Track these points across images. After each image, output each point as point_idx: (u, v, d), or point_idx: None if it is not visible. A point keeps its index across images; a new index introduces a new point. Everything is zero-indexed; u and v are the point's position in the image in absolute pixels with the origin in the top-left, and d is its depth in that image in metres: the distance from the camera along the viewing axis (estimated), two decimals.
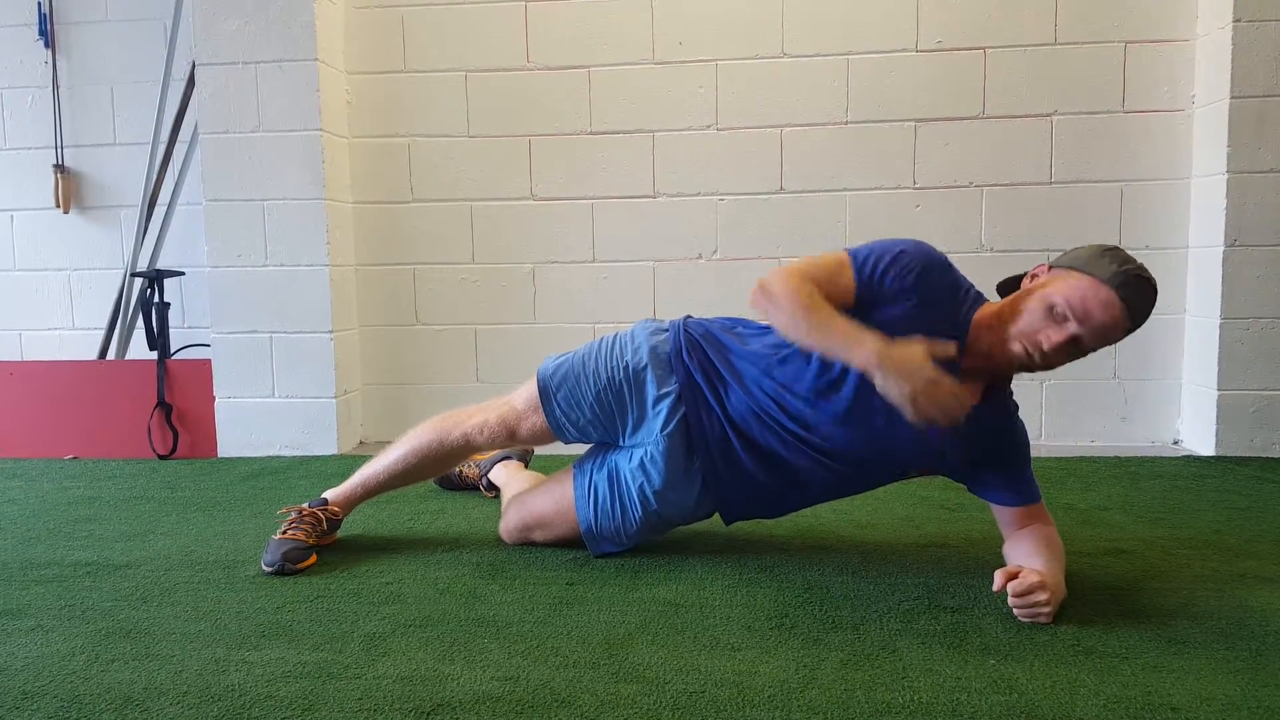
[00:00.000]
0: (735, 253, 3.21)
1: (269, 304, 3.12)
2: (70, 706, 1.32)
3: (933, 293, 1.69)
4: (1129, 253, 1.62)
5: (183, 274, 3.34)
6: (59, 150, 3.53)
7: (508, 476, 2.36)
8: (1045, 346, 1.59)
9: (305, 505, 2.02)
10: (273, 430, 3.16)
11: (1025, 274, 1.73)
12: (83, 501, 2.56)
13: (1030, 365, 1.63)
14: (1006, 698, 1.31)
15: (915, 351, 1.54)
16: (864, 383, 1.68)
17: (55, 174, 3.52)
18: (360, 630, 1.58)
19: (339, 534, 2.08)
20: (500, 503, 2.28)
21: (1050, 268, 1.67)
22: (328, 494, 2.05)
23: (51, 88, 3.51)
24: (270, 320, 3.13)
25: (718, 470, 1.86)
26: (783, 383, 1.78)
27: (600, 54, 3.20)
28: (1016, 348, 1.62)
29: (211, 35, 3.06)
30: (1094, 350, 1.62)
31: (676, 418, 1.85)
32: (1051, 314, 1.59)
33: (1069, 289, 1.59)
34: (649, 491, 1.87)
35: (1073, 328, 1.58)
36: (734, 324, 1.94)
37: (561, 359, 1.97)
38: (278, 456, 3.14)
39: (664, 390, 1.86)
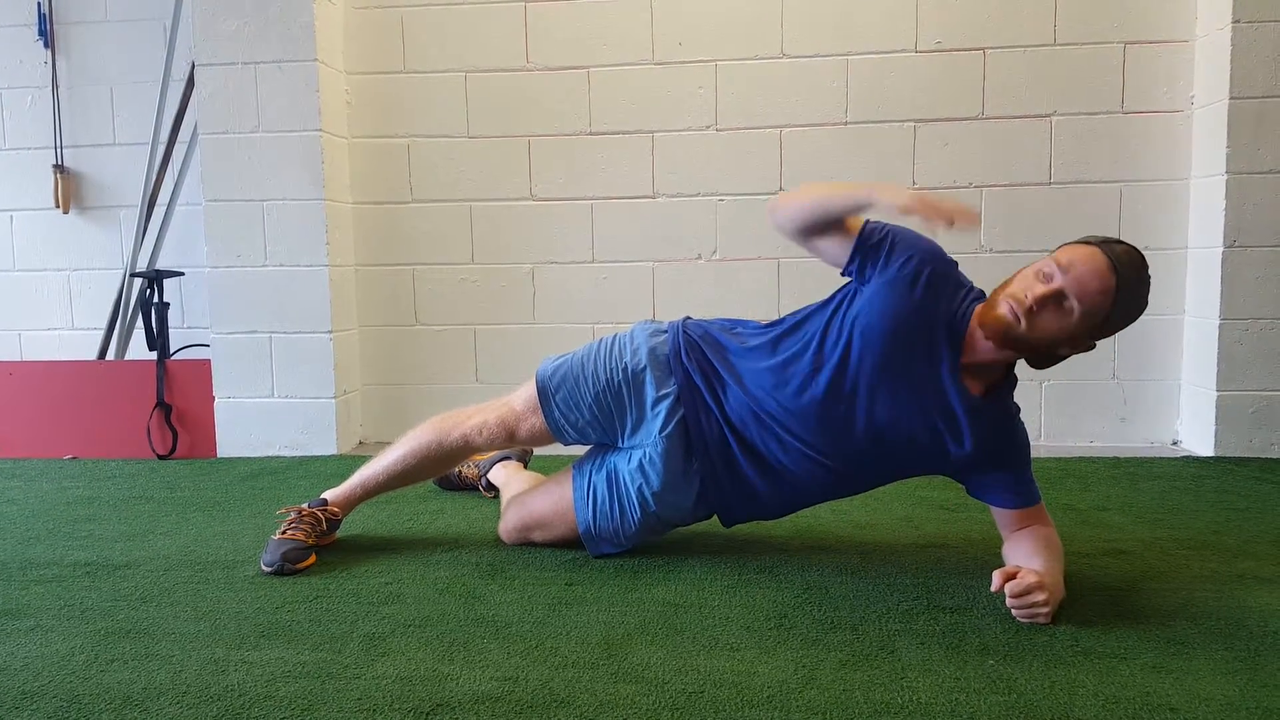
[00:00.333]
0: (735, 253, 3.21)
1: (268, 304, 3.12)
2: (69, 707, 1.32)
3: (934, 271, 1.71)
4: None
5: (182, 274, 3.34)
6: (58, 150, 3.53)
7: (507, 477, 2.36)
8: (1029, 300, 1.59)
9: (304, 505, 2.02)
10: (272, 430, 3.16)
11: None
12: (82, 501, 2.56)
13: (1015, 331, 1.61)
14: (1005, 698, 1.31)
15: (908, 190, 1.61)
16: (842, 381, 1.71)
17: (55, 174, 3.52)
18: (359, 630, 1.58)
19: (338, 534, 2.08)
20: (499, 503, 2.28)
21: None
22: (327, 494, 2.05)
23: (51, 88, 3.51)
24: (270, 320, 3.13)
25: (716, 472, 1.86)
26: (779, 384, 1.78)
27: (600, 54, 3.20)
28: (1002, 308, 1.62)
29: (211, 35, 3.06)
30: (1083, 317, 1.58)
31: (675, 419, 1.85)
32: (1039, 275, 1.62)
33: (1059, 252, 1.63)
34: (648, 493, 1.88)
35: (1058, 282, 1.58)
36: (733, 325, 1.94)
37: (560, 360, 1.97)
38: (277, 457, 3.14)
39: (663, 392, 1.87)
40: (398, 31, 3.26)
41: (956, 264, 1.77)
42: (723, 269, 3.22)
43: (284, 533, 1.95)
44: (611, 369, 1.91)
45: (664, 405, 1.86)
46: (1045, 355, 1.68)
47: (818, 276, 3.14)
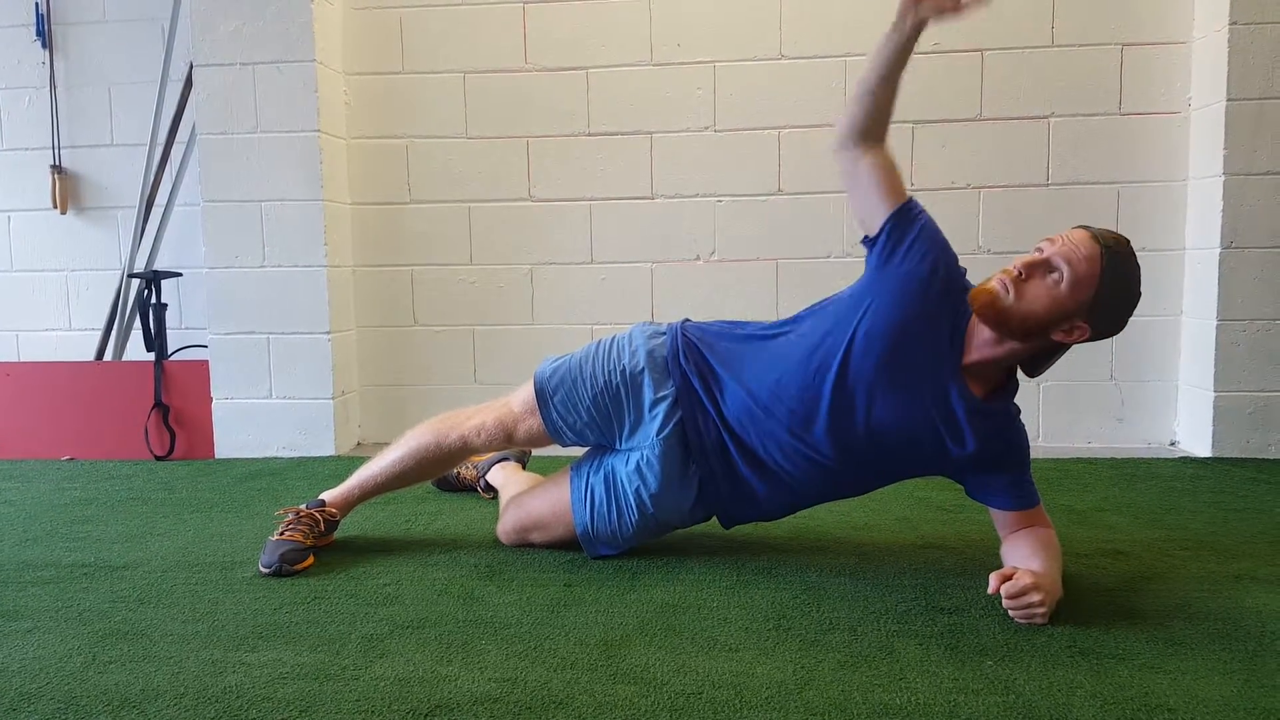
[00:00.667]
0: (733, 254, 3.22)
1: (266, 305, 3.12)
2: (67, 708, 1.32)
3: (950, 271, 1.73)
4: None
5: (180, 275, 3.34)
6: (56, 151, 3.53)
7: (505, 478, 2.36)
8: (1017, 267, 1.62)
9: (303, 506, 2.02)
10: (270, 431, 3.16)
11: None
12: (80, 503, 2.56)
13: (1004, 305, 1.62)
14: (1004, 699, 1.31)
15: None
16: (843, 383, 1.72)
17: (52, 175, 3.52)
18: (358, 632, 1.58)
19: (336, 535, 2.08)
20: (498, 504, 2.28)
21: None
22: (325, 495, 2.05)
23: (49, 88, 3.51)
24: (268, 321, 3.13)
25: (714, 474, 1.86)
26: (778, 385, 1.78)
27: (598, 55, 3.20)
28: (992, 282, 1.65)
29: (209, 36, 3.06)
30: (1071, 288, 1.59)
31: (673, 422, 1.85)
32: (1029, 253, 1.65)
33: (1051, 236, 1.67)
34: (645, 495, 1.88)
35: (1045, 252, 1.62)
36: (732, 327, 1.94)
37: (558, 361, 1.97)
38: (275, 458, 3.14)
39: (661, 394, 1.86)
40: (396, 32, 3.26)
41: (966, 271, 1.77)
42: (721, 270, 3.23)
43: (282, 534, 1.95)
44: (610, 371, 1.90)
45: (662, 407, 1.86)
46: (1038, 345, 1.67)
47: (817, 278, 3.16)
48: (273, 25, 3.03)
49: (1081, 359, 3.03)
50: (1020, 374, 1.78)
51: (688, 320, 1.98)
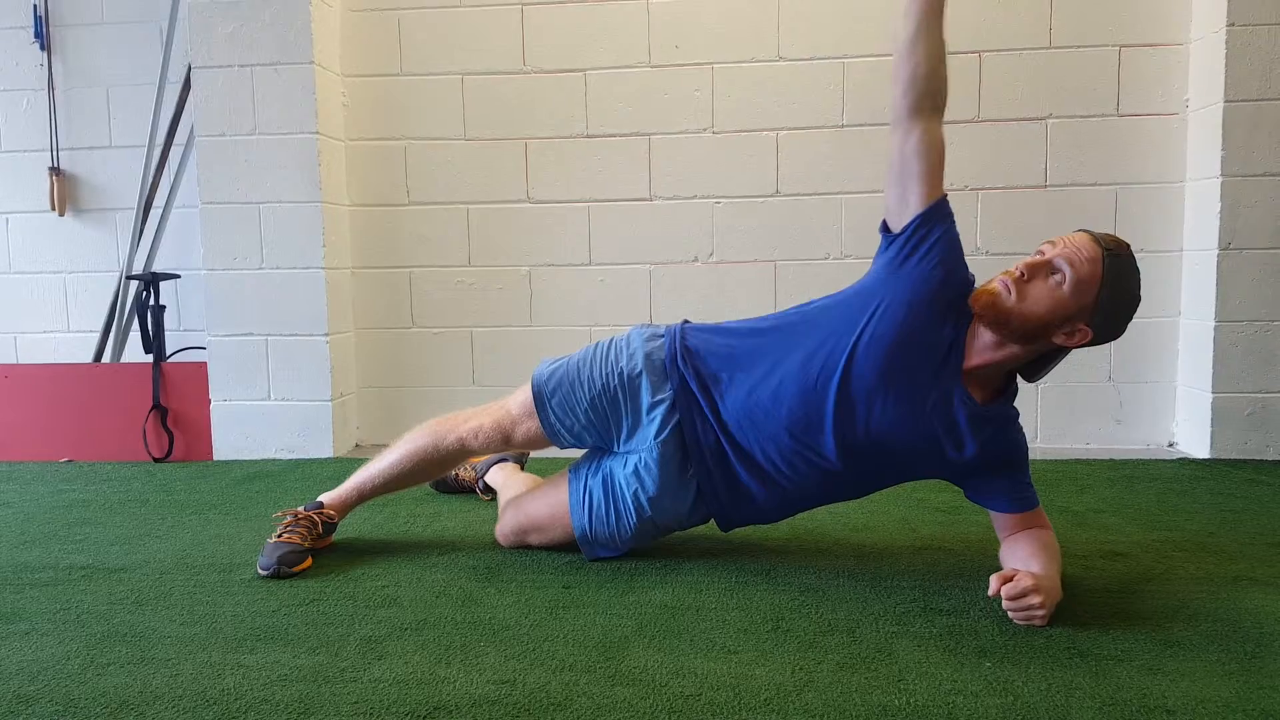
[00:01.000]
0: (731, 256, 3.22)
1: (265, 307, 3.12)
2: (65, 711, 1.32)
3: (961, 280, 1.73)
4: None
5: (178, 277, 3.34)
6: (54, 153, 3.52)
7: (504, 479, 2.36)
8: (1019, 268, 1.63)
9: (301, 508, 2.02)
10: (268, 433, 3.15)
11: None
12: (78, 505, 2.55)
13: (1006, 306, 1.62)
14: (1002, 700, 1.31)
15: None
16: (845, 385, 1.72)
17: (50, 176, 3.52)
18: (356, 634, 1.58)
19: (335, 537, 2.08)
20: (496, 506, 2.28)
21: None
22: (323, 497, 2.05)
23: (47, 90, 3.50)
24: (266, 323, 3.13)
25: (712, 477, 1.85)
26: (780, 387, 1.78)
27: (597, 57, 3.20)
28: (995, 282, 1.66)
29: (207, 38, 3.06)
30: (1073, 289, 1.59)
31: (671, 424, 1.85)
32: (1031, 255, 1.66)
33: (1052, 238, 1.68)
34: (643, 498, 1.87)
35: (1047, 254, 1.62)
36: (731, 329, 1.94)
37: (556, 364, 1.97)
38: (273, 459, 3.13)
39: (658, 397, 1.86)
40: (394, 34, 3.26)
41: (974, 279, 1.77)
42: (720, 271, 3.23)
43: (280, 536, 1.95)
44: (607, 374, 1.90)
45: (659, 410, 1.86)
46: (1039, 348, 1.67)
47: (816, 279, 3.16)
48: (271, 27, 3.03)
49: (1080, 361, 3.04)
50: (1020, 378, 1.78)
51: (686, 322, 1.98)
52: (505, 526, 2.06)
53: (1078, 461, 2.93)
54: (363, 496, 2.05)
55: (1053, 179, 3.09)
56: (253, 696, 1.35)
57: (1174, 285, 3.08)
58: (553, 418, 1.93)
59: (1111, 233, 1.67)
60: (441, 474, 2.40)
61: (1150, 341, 3.10)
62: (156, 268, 3.42)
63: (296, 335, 3.12)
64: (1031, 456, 1.83)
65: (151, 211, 3.44)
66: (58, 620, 1.67)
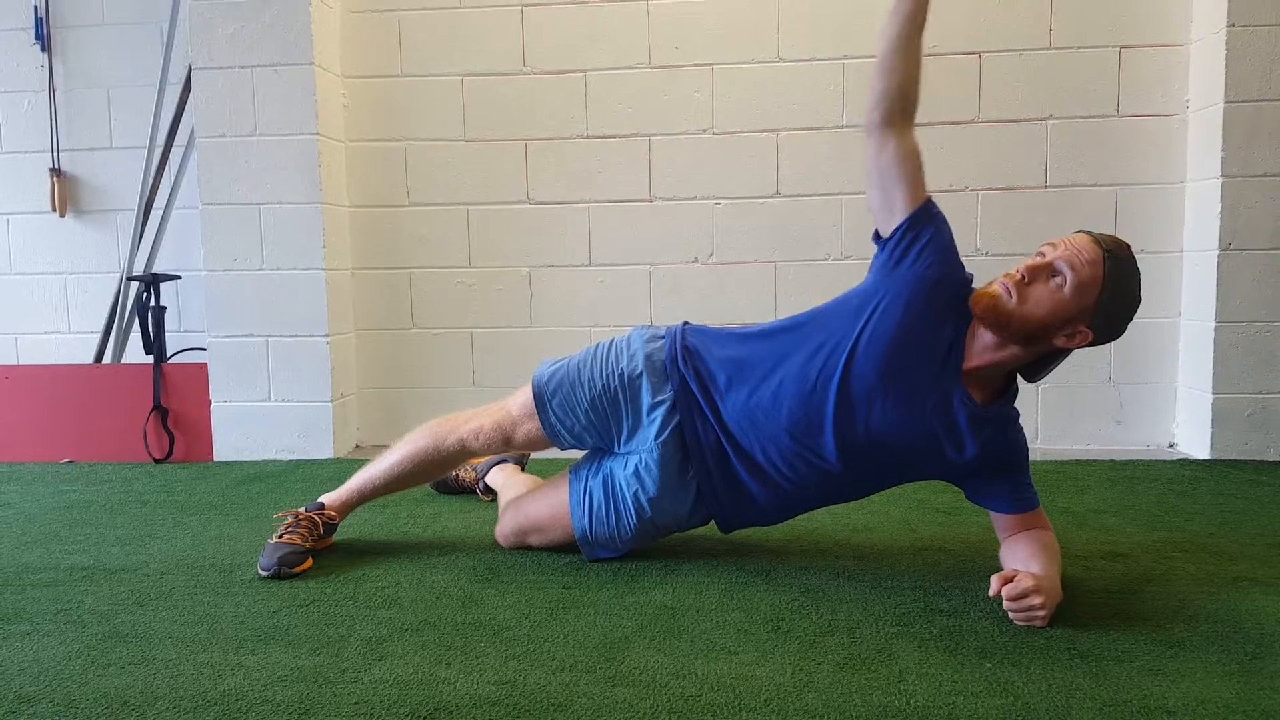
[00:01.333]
0: (731, 256, 3.22)
1: (265, 308, 3.12)
2: (66, 711, 1.32)
3: (956, 279, 1.73)
4: None
5: (179, 278, 3.34)
6: (55, 154, 3.52)
7: (504, 480, 2.36)
8: (1020, 270, 1.62)
9: (302, 509, 2.02)
10: (269, 434, 3.16)
11: None
12: (79, 505, 2.55)
13: (1007, 308, 1.62)
14: (1003, 701, 1.31)
15: None
16: (845, 386, 1.71)
17: (51, 177, 3.52)
18: (357, 634, 1.58)
19: (335, 538, 2.08)
20: (496, 506, 2.28)
21: None
22: (324, 498, 2.05)
23: (48, 91, 3.51)
24: (266, 324, 3.13)
25: (713, 478, 1.86)
26: (780, 389, 1.78)
27: (596, 58, 3.20)
28: (995, 285, 1.65)
29: (208, 39, 3.06)
30: (1075, 291, 1.59)
31: (671, 426, 1.85)
32: (1031, 257, 1.65)
33: (1053, 240, 1.67)
34: (643, 499, 1.87)
35: (1048, 256, 1.62)
36: (731, 331, 1.94)
37: (557, 365, 1.97)
38: (274, 460, 3.13)
39: (659, 398, 1.86)
40: (395, 35, 3.26)
41: (973, 278, 1.77)
42: (720, 272, 3.23)
43: (281, 536, 1.95)
44: (608, 375, 1.90)
45: (660, 411, 1.86)
46: (1040, 350, 1.67)
47: (815, 280, 3.16)
48: (271, 28, 3.04)
49: (1080, 361, 3.04)
50: (1020, 379, 1.78)
51: (687, 324, 1.98)
52: (505, 527, 2.06)
53: (1078, 462, 2.93)
54: (363, 497, 2.05)
55: (1053, 180, 3.10)
56: (253, 697, 1.35)
57: (1174, 286, 3.08)
58: (553, 418, 1.93)
59: (1112, 234, 1.67)
60: (442, 475, 2.40)
61: (1150, 342, 3.10)
62: (157, 269, 3.42)
63: (297, 336, 3.13)
64: (1032, 457, 1.83)
65: (152, 212, 3.44)
66: (59, 621, 1.67)
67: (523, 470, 2.48)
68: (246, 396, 3.16)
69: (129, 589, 1.83)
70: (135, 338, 3.35)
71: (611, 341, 1.97)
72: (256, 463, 3.11)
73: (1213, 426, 2.92)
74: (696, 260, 3.24)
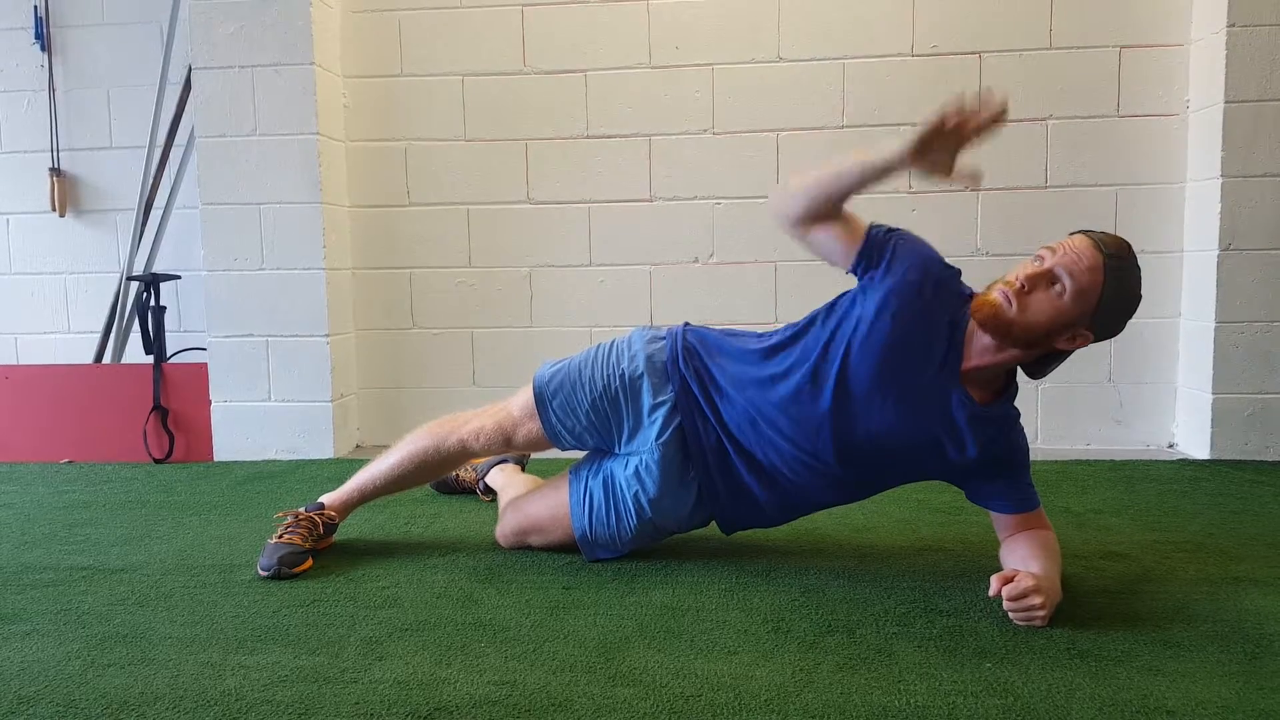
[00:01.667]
0: (731, 257, 3.22)
1: (265, 308, 3.12)
2: (66, 712, 1.32)
3: (938, 279, 1.72)
4: None
5: (179, 278, 3.34)
6: (55, 153, 3.53)
7: (505, 480, 2.36)
8: (1020, 279, 1.60)
9: (302, 509, 2.02)
10: (269, 434, 3.16)
11: None
12: (78, 505, 2.55)
13: (1008, 317, 1.61)
14: (1002, 701, 1.31)
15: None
16: (844, 389, 1.72)
17: (51, 177, 3.52)
18: (357, 634, 1.58)
19: (335, 538, 2.08)
20: (496, 507, 2.28)
21: None
22: (324, 498, 2.05)
23: (47, 91, 3.51)
24: (266, 324, 3.13)
25: (713, 479, 1.86)
26: (775, 393, 1.78)
27: (597, 58, 3.20)
28: (994, 293, 1.63)
29: (208, 39, 3.06)
30: (1075, 297, 1.58)
31: (672, 427, 1.85)
32: (1030, 261, 1.63)
33: (1051, 244, 1.65)
34: (644, 500, 1.87)
35: (1047, 263, 1.60)
36: (732, 332, 1.94)
37: (558, 366, 1.97)
38: (274, 460, 3.13)
39: (660, 399, 1.86)
40: (395, 35, 3.26)
41: (959, 272, 1.77)
42: (720, 272, 3.23)
43: (281, 536, 1.95)
44: (609, 375, 1.90)
45: (661, 412, 1.86)
46: (1040, 352, 1.67)
47: (816, 280, 3.16)
48: (271, 28, 3.04)
49: (1080, 361, 3.02)
50: (1021, 375, 1.78)
51: (688, 325, 1.98)
52: (506, 528, 2.06)
53: (1078, 462, 2.93)
54: (364, 497, 2.05)
55: (1053, 180, 3.10)
56: (253, 697, 1.35)
57: (1174, 286, 3.08)
58: (554, 419, 1.93)
59: (1112, 232, 1.66)
60: (442, 475, 2.40)
61: (1150, 342, 3.10)
62: (157, 268, 3.42)
63: (297, 336, 3.12)
64: (1032, 457, 1.83)
65: (152, 212, 3.44)
66: (58, 621, 1.67)
67: (523, 470, 2.48)
68: (246, 396, 3.16)
69: (129, 589, 1.84)
70: (135, 338, 3.35)
71: (613, 342, 1.97)
72: (256, 463, 3.11)
73: (1212, 426, 2.92)
74: (697, 260, 3.24)
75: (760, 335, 1.90)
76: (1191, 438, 3.03)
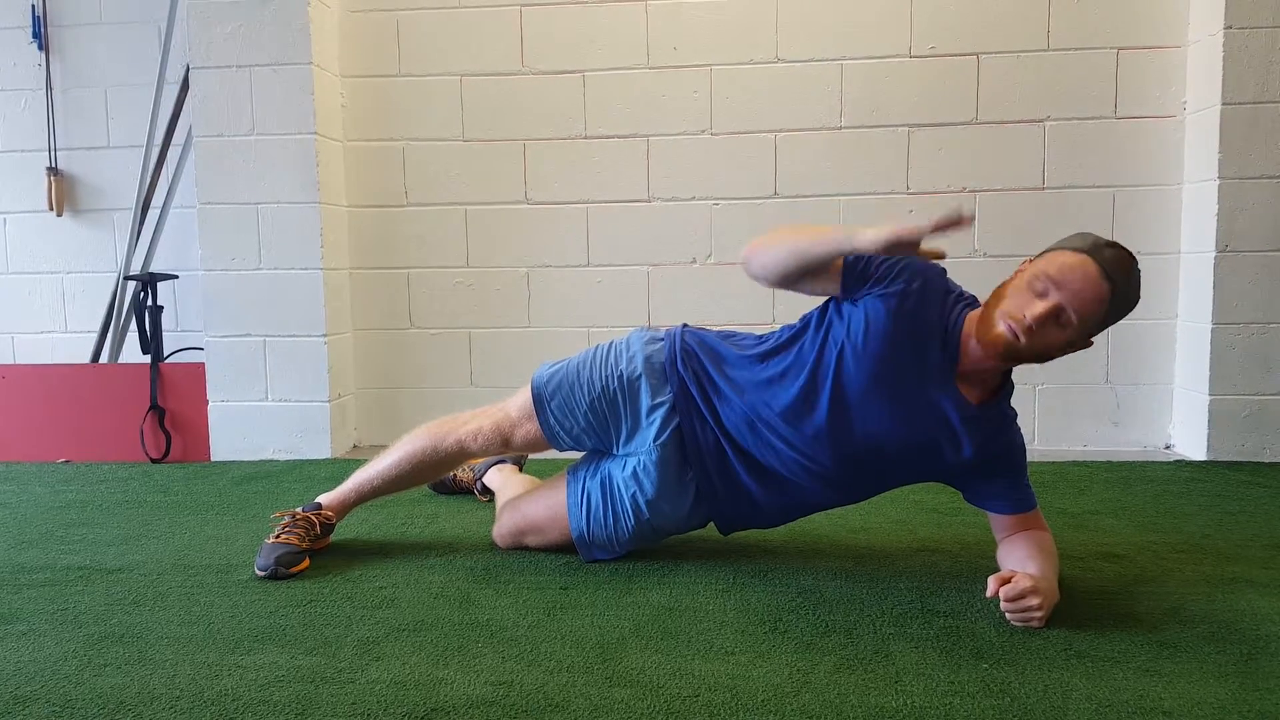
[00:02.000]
0: (729, 257, 3.22)
1: (262, 307, 3.12)
2: (62, 711, 1.32)
3: (924, 282, 1.71)
4: None
5: (176, 277, 3.34)
6: (52, 153, 3.52)
7: (502, 481, 2.36)
8: (1028, 320, 1.57)
9: (299, 509, 2.02)
10: (266, 434, 3.15)
11: None
12: (75, 505, 2.55)
13: (1017, 348, 1.59)
14: (999, 701, 1.32)
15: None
16: (839, 394, 1.72)
17: (48, 177, 3.52)
18: (354, 635, 1.58)
19: (332, 538, 2.08)
20: (494, 507, 2.28)
21: (1031, 260, 1.68)
22: (322, 498, 2.05)
23: (45, 90, 3.50)
24: (264, 324, 3.13)
25: (712, 481, 1.86)
26: (773, 396, 1.78)
27: (595, 58, 3.20)
28: (1001, 327, 1.60)
29: (206, 38, 3.06)
30: (1081, 325, 1.58)
31: (670, 428, 1.85)
32: (1032, 289, 1.59)
33: (1046, 262, 1.60)
34: (641, 501, 1.87)
35: (1054, 298, 1.57)
36: (731, 334, 1.94)
37: (556, 367, 1.97)
38: (271, 460, 3.13)
39: (658, 400, 1.86)
40: (393, 35, 3.26)
41: (944, 271, 1.77)
42: (718, 273, 3.23)
43: (278, 536, 1.95)
44: (607, 376, 1.90)
45: (659, 413, 1.86)
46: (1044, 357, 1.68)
47: None
48: (269, 28, 3.03)
49: (1077, 362, 3.03)
50: (1018, 373, 1.78)
51: (686, 326, 1.98)
52: (503, 528, 2.06)
53: (1075, 463, 2.93)
54: (361, 498, 2.05)
55: (1050, 181, 3.10)
56: (250, 697, 1.35)
57: (1171, 287, 3.08)
58: (552, 420, 1.93)
59: (1111, 242, 1.62)
60: (440, 476, 2.40)
61: (1147, 343, 3.10)
62: (154, 268, 3.41)
63: (294, 336, 3.12)
64: (1029, 458, 1.83)
65: (149, 212, 3.43)
66: (55, 621, 1.67)
67: (520, 471, 2.48)
68: (244, 396, 3.15)
69: (125, 589, 1.83)
70: (132, 337, 3.34)
71: (611, 343, 1.97)
72: (254, 463, 3.10)
73: (1209, 428, 2.93)
74: (695, 261, 3.24)
75: (758, 338, 1.90)
76: (1188, 439, 3.04)
